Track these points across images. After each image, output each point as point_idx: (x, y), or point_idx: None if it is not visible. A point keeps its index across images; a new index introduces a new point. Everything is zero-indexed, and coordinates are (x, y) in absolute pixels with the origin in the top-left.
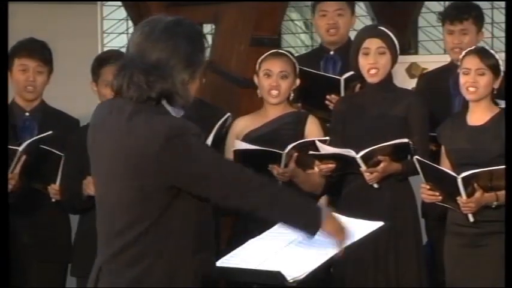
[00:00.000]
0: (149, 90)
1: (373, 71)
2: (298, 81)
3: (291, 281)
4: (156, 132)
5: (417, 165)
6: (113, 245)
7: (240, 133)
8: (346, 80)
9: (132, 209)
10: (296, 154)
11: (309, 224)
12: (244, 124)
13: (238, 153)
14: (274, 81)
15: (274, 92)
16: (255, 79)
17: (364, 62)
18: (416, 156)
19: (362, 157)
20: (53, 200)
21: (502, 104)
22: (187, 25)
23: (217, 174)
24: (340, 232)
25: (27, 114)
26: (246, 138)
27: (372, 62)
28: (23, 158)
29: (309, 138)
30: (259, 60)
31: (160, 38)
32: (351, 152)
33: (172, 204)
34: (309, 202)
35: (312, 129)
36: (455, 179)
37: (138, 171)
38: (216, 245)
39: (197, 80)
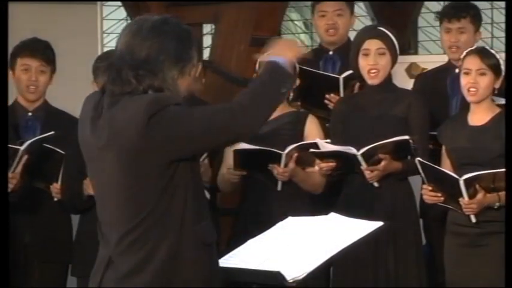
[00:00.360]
0: (137, 85)
1: (373, 72)
2: (297, 81)
3: (291, 281)
4: (135, 115)
5: (419, 167)
6: (117, 234)
7: None
8: (345, 78)
9: (132, 198)
10: (296, 154)
11: (284, 79)
12: None
13: (238, 153)
14: None
15: None
16: None
17: (364, 63)
18: (418, 158)
19: (363, 155)
20: (55, 199)
21: (498, 101)
22: (174, 24)
23: (209, 124)
24: (285, 45)
25: (29, 114)
26: None
27: (372, 63)
28: (25, 157)
29: (308, 137)
30: (259, 60)
31: (147, 36)
32: (351, 150)
33: (170, 183)
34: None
35: (312, 129)
36: (457, 180)
37: (129, 160)
38: (215, 245)
39: (187, 76)
